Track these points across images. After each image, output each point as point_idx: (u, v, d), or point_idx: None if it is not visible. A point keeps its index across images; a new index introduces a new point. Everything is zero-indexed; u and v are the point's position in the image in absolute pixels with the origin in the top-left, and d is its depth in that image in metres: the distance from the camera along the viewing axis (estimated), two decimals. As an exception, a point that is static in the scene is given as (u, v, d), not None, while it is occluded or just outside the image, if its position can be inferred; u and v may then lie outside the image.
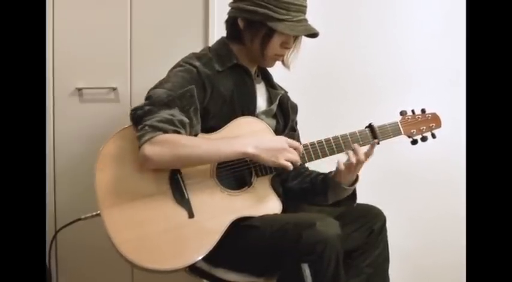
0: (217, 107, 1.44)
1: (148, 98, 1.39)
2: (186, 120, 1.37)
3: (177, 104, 1.36)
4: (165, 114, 1.34)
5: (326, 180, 1.55)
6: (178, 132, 1.34)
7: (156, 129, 1.32)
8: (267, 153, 1.37)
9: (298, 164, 1.41)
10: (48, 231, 1.76)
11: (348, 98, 2.09)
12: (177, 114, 1.35)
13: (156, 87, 1.43)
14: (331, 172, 1.56)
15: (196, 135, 1.41)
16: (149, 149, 1.30)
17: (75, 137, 1.94)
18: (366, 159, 1.46)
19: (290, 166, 1.39)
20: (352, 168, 1.46)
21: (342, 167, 1.46)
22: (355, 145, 1.46)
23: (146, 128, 1.32)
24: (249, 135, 1.43)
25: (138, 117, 1.36)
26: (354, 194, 1.55)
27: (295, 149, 1.41)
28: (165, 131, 1.32)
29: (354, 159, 1.44)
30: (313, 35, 1.47)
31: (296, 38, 1.50)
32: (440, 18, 2.11)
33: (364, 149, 1.48)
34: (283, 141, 1.41)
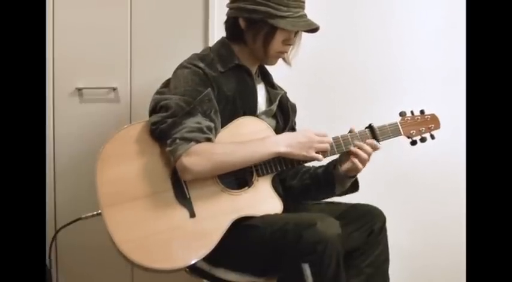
0: (220, 107, 1.44)
1: (163, 108, 1.38)
2: (212, 124, 1.38)
3: (199, 111, 1.37)
4: (191, 123, 1.34)
5: (329, 173, 1.55)
6: (210, 139, 1.35)
7: (188, 140, 1.32)
8: (299, 149, 1.41)
9: (328, 154, 1.45)
10: (48, 231, 1.76)
11: (347, 98, 2.09)
12: (202, 121, 1.36)
13: (163, 92, 1.43)
14: (330, 163, 1.56)
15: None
16: (187, 161, 1.31)
17: (75, 137, 1.94)
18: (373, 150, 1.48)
19: (321, 157, 1.43)
20: (363, 161, 1.47)
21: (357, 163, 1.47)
22: (356, 141, 1.47)
23: (177, 141, 1.32)
24: (250, 135, 1.43)
25: (162, 131, 1.36)
26: (356, 182, 1.57)
27: (322, 137, 1.44)
28: (197, 141, 1.33)
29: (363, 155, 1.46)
30: (314, 29, 1.47)
31: (296, 34, 1.51)
32: (441, 18, 2.11)
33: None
34: (310, 133, 1.44)
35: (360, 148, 1.47)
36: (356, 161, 1.46)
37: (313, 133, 1.44)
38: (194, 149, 1.32)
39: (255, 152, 1.38)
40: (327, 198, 1.60)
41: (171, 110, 1.36)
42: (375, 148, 1.48)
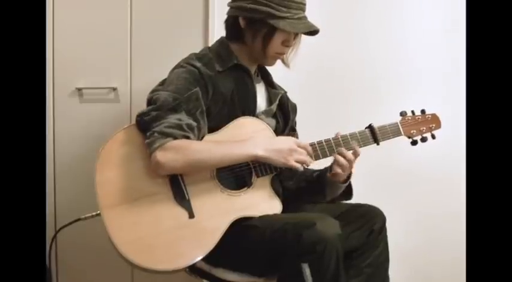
0: (217, 107, 1.44)
1: (153, 101, 1.39)
2: (194, 123, 1.37)
3: (184, 108, 1.37)
4: (173, 119, 1.34)
5: (322, 178, 1.55)
6: (188, 137, 1.35)
7: (165, 135, 1.32)
8: (277, 155, 1.39)
9: (309, 164, 1.43)
10: (48, 231, 1.75)
11: (348, 98, 2.09)
12: (184, 118, 1.36)
13: (158, 89, 1.43)
14: (325, 168, 1.56)
15: (203, 136, 1.41)
16: (161, 156, 1.31)
17: (75, 137, 1.94)
18: (354, 158, 1.47)
19: (300, 167, 1.41)
20: (345, 169, 1.46)
21: (338, 170, 1.47)
22: (340, 149, 1.47)
23: (155, 134, 1.32)
24: (249, 136, 1.43)
25: (145, 123, 1.36)
26: (349, 189, 1.56)
27: (303, 149, 1.42)
28: (175, 137, 1.33)
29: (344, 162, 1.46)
30: (313, 32, 1.47)
31: (296, 35, 1.51)
32: (441, 17, 2.10)
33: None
34: (291, 142, 1.42)
35: (342, 155, 1.46)
36: (336, 167, 1.46)
37: (294, 142, 1.43)
38: (169, 145, 1.32)
39: (232, 153, 1.37)
40: (319, 202, 1.59)
41: (157, 104, 1.37)
42: (356, 155, 1.47)
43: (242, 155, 1.38)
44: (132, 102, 1.95)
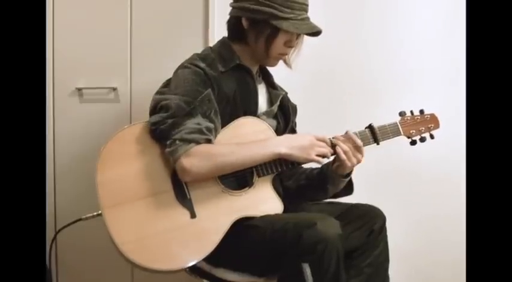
0: (220, 107, 1.44)
1: (164, 108, 1.38)
2: (211, 125, 1.37)
3: (199, 111, 1.37)
4: (191, 124, 1.34)
5: (323, 174, 1.55)
6: (209, 140, 1.35)
7: (187, 141, 1.32)
8: (299, 151, 1.41)
9: (329, 155, 1.45)
10: (48, 231, 1.75)
11: (348, 98, 2.09)
12: (202, 121, 1.36)
13: (164, 92, 1.43)
14: (325, 165, 1.56)
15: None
16: (187, 162, 1.31)
17: (75, 137, 1.94)
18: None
19: (322, 160, 1.43)
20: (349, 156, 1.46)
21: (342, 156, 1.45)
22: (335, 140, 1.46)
23: (177, 142, 1.32)
24: (251, 136, 1.44)
25: (163, 132, 1.35)
26: (350, 184, 1.56)
27: (323, 141, 1.44)
28: (197, 142, 1.33)
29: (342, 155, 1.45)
30: (316, 33, 1.47)
31: (298, 36, 1.51)
32: (441, 18, 2.11)
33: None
34: (311, 136, 1.44)
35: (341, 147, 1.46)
36: (341, 154, 1.45)
37: (314, 136, 1.45)
38: (194, 151, 1.32)
39: (256, 153, 1.38)
40: (321, 199, 1.60)
41: (171, 111, 1.36)
42: (354, 144, 1.47)
43: (266, 154, 1.39)
44: (132, 102, 1.95)
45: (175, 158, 1.32)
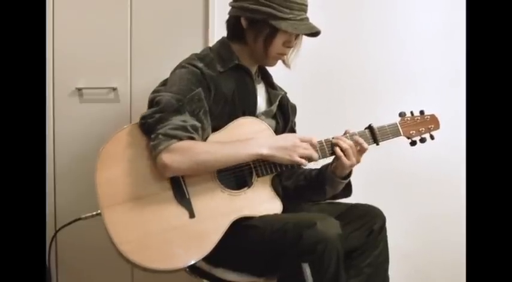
0: (219, 107, 1.44)
1: (156, 103, 1.39)
2: (198, 124, 1.37)
3: (187, 109, 1.37)
4: (177, 120, 1.34)
5: (321, 175, 1.55)
6: (193, 138, 1.35)
7: (170, 137, 1.32)
8: (282, 152, 1.40)
9: (316, 158, 1.43)
10: (48, 230, 1.75)
11: (348, 98, 2.09)
12: (188, 119, 1.36)
13: (159, 90, 1.43)
14: (325, 166, 1.56)
15: (207, 136, 1.42)
16: (167, 157, 1.31)
17: (75, 137, 1.94)
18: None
19: (305, 162, 1.42)
20: (348, 155, 1.46)
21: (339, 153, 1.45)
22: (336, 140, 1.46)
23: (160, 136, 1.32)
24: (249, 136, 1.43)
25: (149, 126, 1.36)
26: (349, 186, 1.56)
27: (308, 142, 1.43)
28: (180, 138, 1.33)
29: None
30: (315, 33, 1.47)
31: (297, 36, 1.51)
32: (441, 18, 2.11)
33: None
34: (294, 137, 1.43)
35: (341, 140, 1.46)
36: (339, 152, 1.45)
37: (298, 138, 1.43)
38: (175, 146, 1.32)
39: (237, 153, 1.38)
40: (319, 200, 1.59)
41: (161, 106, 1.37)
42: (359, 146, 1.47)
43: (247, 154, 1.38)
44: (132, 102, 1.95)
45: (156, 152, 1.32)
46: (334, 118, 2.04)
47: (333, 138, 1.48)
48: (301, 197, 1.60)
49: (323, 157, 1.47)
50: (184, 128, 1.34)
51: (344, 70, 2.08)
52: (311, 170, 1.61)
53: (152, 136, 1.34)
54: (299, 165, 1.42)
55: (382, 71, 2.09)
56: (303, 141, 1.43)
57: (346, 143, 1.46)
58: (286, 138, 1.44)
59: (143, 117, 1.38)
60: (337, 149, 1.45)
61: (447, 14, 2.09)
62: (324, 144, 1.47)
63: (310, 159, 1.43)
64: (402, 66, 2.10)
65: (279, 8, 1.42)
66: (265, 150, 1.39)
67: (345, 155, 1.45)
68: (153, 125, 1.35)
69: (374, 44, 2.08)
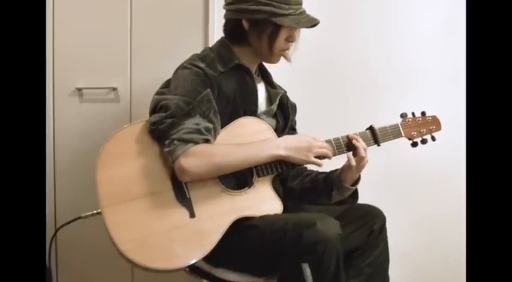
0: (221, 107, 1.44)
1: (164, 108, 1.38)
2: (210, 125, 1.37)
3: (198, 111, 1.37)
4: (190, 124, 1.35)
5: (329, 180, 1.55)
6: (208, 140, 1.35)
7: (185, 141, 1.32)
8: (298, 153, 1.41)
9: (330, 157, 1.45)
10: (48, 229, 1.75)
11: (348, 100, 2.09)
12: (200, 121, 1.36)
13: (164, 93, 1.43)
14: (332, 171, 1.56)
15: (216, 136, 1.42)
16: (185, 162, 1.31)
17: (75, 136, 1.94)
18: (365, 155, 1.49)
19: (321, 163, 1.43)
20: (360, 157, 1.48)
21: (353, 163, 1.47)
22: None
23: (175, 142, 1.32)
24: (251, 136, 1.44)
25: (161, 131, 1.36)
26: (355, 193, 1.56)
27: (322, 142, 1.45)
28: (195, 142, 1.33)
29: (353, 162, 1.47)
30: (315, 25, 1.48)
31: (296, 30, 1.51)
32: (441, 18, 2.10)
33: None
34: (310, 138, 1.45)
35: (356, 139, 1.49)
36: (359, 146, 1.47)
37: (313, 138, 1.45)
38: (192, 151, 1.32)
39: (254, 154, 1.39)
40: (325, 204, 1.59)
41: (170, 111, 1.36)
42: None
43: (265, 155, 1.39)
44: (132, 102, 1.95)
45: (173, 158, 1.32)
46: (334, 118, 2.03)
47: (346, 136, 1.49)
48: (306, 199, 1.60)
49: (340, 153, 1.49)
50: (198, 131, 1.34)
51: (344, 71, 2.07)
52: (318, 173, 1.61)
53: (166, 142, 1.34)
54: (314, 164, 1.44)
55: (383, 71, 2.09)
56: (316, 141, 1.44)
57: (360, 142, 1.48)
58: (300, 138, 1.46)
59: (153, 124, 1.37)
60: (355, 142, 1.47)
61: (448, 13, 2.09)
62: (341, 140, 1.49)
63: (325, 158, 1.44)
64: (403, 67, 2.10)
65: (278, 5, 1.42)
66: (283, 152, 1.40)
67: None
68: (166, 131, 1.35)
69: (375, 44, 2.08)
